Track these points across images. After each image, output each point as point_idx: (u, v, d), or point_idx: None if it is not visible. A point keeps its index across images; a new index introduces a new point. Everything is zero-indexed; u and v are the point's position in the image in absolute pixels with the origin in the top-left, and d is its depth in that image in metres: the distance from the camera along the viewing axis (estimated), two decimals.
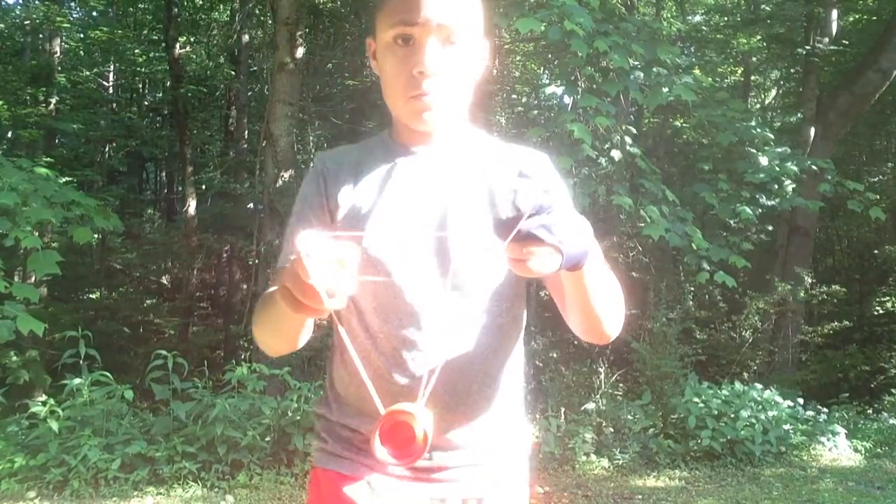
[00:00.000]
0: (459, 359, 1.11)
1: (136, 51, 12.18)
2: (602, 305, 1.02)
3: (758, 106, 13.52)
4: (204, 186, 11.71)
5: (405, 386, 1.10)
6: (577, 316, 1.06)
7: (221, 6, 12.51)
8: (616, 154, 5.72)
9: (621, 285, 1.09)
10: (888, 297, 11.25)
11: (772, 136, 6.42)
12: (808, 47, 9.10)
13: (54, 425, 4.23)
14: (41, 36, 10.90)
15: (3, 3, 11.28)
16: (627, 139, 5.84)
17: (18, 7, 11.01)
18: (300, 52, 6.84)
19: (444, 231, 1.11)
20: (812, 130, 8.74)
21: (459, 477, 1.12)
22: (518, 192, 0.80)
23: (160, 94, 14.02)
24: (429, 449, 1.07)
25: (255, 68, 11.67)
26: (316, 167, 1.21)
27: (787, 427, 5.60)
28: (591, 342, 1.13)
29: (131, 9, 12.41)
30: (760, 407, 5.63)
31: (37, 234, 4.40)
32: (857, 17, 10.60)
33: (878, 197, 8.47)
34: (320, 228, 1.07)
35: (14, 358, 5.65)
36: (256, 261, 7.24)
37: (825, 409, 6.27)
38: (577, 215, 0.88)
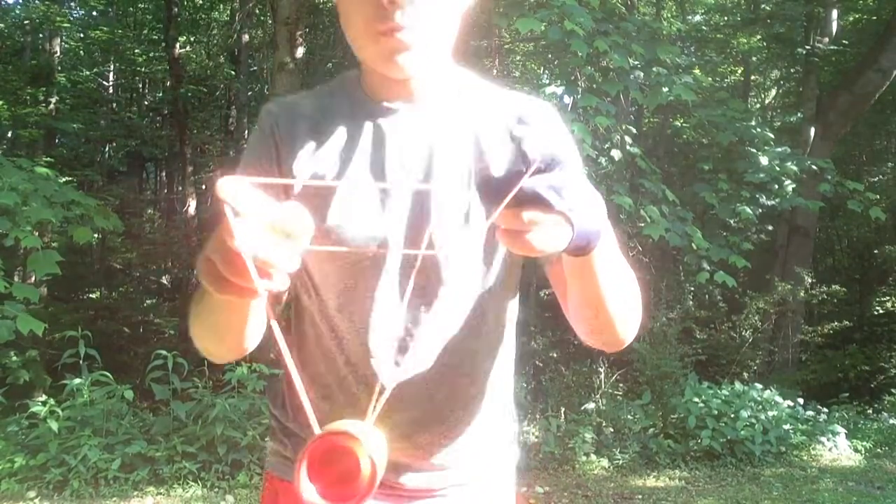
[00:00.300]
0: (439, 368, 0.93)
1: (136, 51, 12.18)
2: (615, 302, 0.83)
3: (758, 106, 13.51)
4: (204, 186, 11.71)
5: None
6: (583, 314, 0.86)
7: (221, 6, 12.51)
8: (616, 154, 5.72)
9: None
10: (888, 297, 11.26)
11: (772, 136, 6.42)
12: (808, 47, 9.10)
13: (54, 425, 4.23)
14: (41, 36, 10.90)
15: (3, 2, 11.27)
16: (627, 139, 5.84)
17: (18, 7, 11.00)
18: (300, 51, 6.84)
19: (427, 220, 0.90)
20: (812, 130, 8.73)
21: (441, 495, 0.99)
22: (521, 139, 0.62)
23: (160, 94, 14.01)
24: (407, 470, 0.95)
25: (255, 68, 11.68)
26: (264, 123, 0.96)
27: (787, 427, 5.60)
28: (598, 348, 0.93)
29: (131, 9, 12.40)
30: (760, 407, 5.63)
31: (37, 234, 4.40)
32: (857, 17, 10.59)
33: (878, 197, 8.47)
34: (270, 191, 0.87)
35: (14, 358, 5.65)
36: None
37: (825, 409, 6.27)
38: (589, 185, 0.69)
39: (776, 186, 6.35)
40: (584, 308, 0.85)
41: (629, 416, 5.45)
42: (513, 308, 1.02)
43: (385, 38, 0.84)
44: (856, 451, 5.72)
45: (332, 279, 0.93)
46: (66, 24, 10.49)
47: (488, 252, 0.94)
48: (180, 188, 11.82)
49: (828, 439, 5.70)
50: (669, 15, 11.89)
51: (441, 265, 0.92)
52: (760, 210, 6.63)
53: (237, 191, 0.52)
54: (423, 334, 0.92)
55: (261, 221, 0.53)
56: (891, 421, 6.51)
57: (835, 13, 9.43)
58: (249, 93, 11.33)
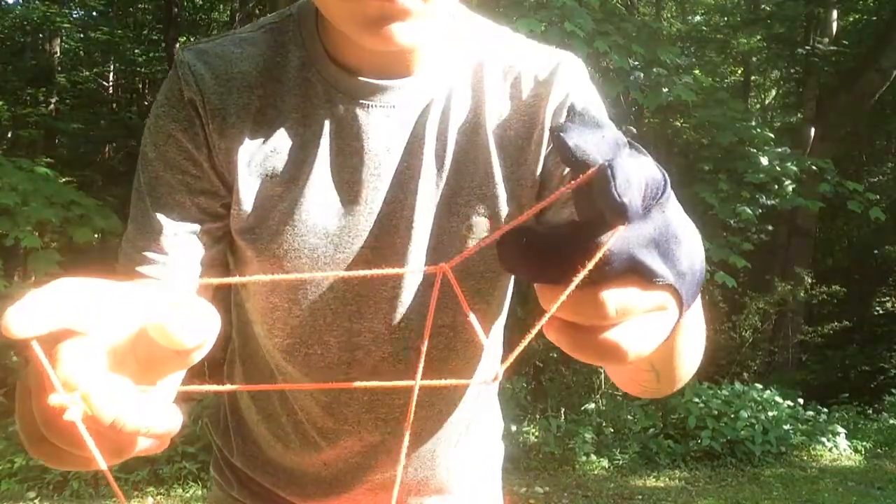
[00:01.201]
0: (420, 419, 0.81)
1: (136, 51, 12.18)
2: (686, 366, 0.56)
3: (758, 106, 13.51)
4: None
5: (336, 458, 0.80)
6: (640, 378, 0.59)
7: (221, 6, 12.52)
8: None
9: None
10: (888, 297, 11.25)
11: (772, 136, 6.42)
12: (808, 47, 9.10)
13: None
14: (41, 36, 10.90)
15: (3, 3, 11.27)
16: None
17: (18, 7, 11.00)
18: None
19: (400, 250, 0.71)
20: (812, 130, 8.73)
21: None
22: (581, 153, 0.34)
23: None
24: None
25: None
26: (182, 85, 0.67)
27: (787, 427, 5.60)
28: (642, 397, 0.74)
29: (131, 9, 12.41)
30: (760, 407, 5.63)
31: (37, 234, 4.40)
32: (857, 17, 10.59)
33: (878, 197, 8.46)
34: (197, 212, 0.66)
35: (14, 358, 5.64)
36: None
37: (825, 409, 6.27)
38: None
39: (776, 186, 6.35)
40: (642, 373, 0.57)
41: (629, 417, 5.45)
42: (499, 323, 0.85)
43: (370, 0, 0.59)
44: (856, 451, 5.72)
45: (280, 314, 0.74)
46: (66, 25, 10.49)
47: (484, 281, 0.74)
48: None
49: (828, 439, 5.70)
50: (669, 15, 11.90)
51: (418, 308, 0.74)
52: (760, 210, 6.62)
53: (51, 312, 0.30)
54: (397, 373, 0.75)
55: (118, 340, 0.32)
56: (891, 421, 6.51)
57: (835, 13, 9.44)
58: None
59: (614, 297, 0.35)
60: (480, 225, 0.70)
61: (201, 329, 0.30)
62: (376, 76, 0.68)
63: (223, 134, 0.66)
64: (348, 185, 0.68)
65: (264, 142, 0.67)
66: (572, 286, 0.33)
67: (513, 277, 0.78)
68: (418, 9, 0.59)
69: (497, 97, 0.71)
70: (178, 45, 10.11)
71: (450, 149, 0.70)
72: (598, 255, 0.33)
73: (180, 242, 0.66)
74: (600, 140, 0.34)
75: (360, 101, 0.68)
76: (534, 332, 0.34)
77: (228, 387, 0.38)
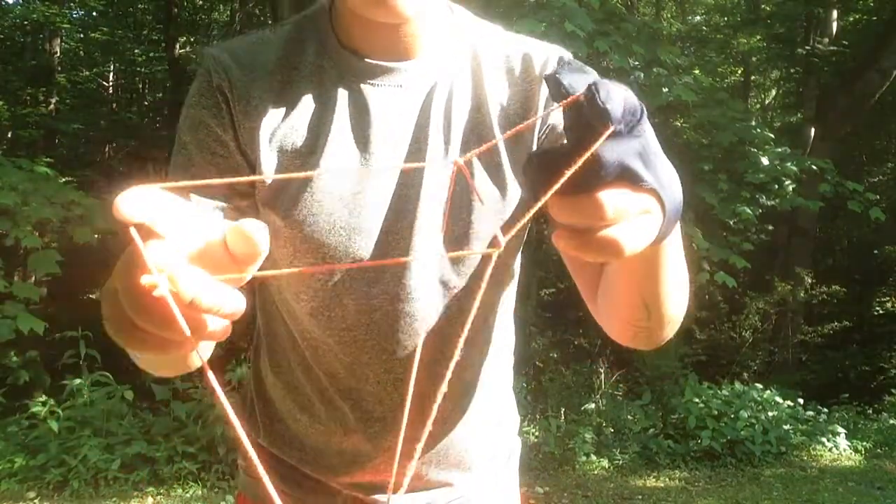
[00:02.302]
0: (435, 379, 0.82)
1: (136, 51, 12.18)
2: (674, 301, 0.66)
3: (758, 106, 13.51)
4: None
5: (357, 421, 0.83)
6: (630, 315, 0.68)
7: (221, 6, 12.51)
8: None
9: None
10: (888, 297, 11.25)
11: (772, 136, 6.42)
12: (808, 47, 9.11)
13: (54, 425, 4.23)
14: (41, 36, 10.90)
15: (3, 3, 11.27)
16: None
17: (18, 7, 11.00)
18: None
19: (414, 209, 0.77)
20: (812, 130, 8.74)
21: (448, 483, 0.92)
22: (567, 85, 0.43)
23: (160, 94, 14.01)
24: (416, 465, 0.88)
25: None
26: (210, 76, 0.77)
27: (787, 427, 5.60)
28: (631, 347, 0.77)
29: (131, 9, 12.41)
30: (760, 407, 5.63)
31: (37, 233, 4.41)
32: (857, 17, 10.59)
33: (878, 197, 8.46)
34: (224, 188, 0.74)
35: (14, 358, 5.64)
36: None
37: (825, 409, 6.27)
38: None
39: (776, 187, 6.36)
40: (634, 309, 0.67)
41: (629, 417, 5.45)
42: (510, 296, 0.90)
43: None
44: (856, 451, 5.72)
45: (304, 277, 0.79)
46: (66, 25, 10.49)
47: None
48: None
49: (828, 439, 5.70)
50: (669, 15, 11.90)
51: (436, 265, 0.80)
52: (760, 210, 6.63)
53: (148, 205, 0.35)
54: (412, 335, 0.80)
55: (190, 245, 0.37)
56: (891, 421, 6.51)
57: (835, 13, 9.44)
58: None
59: (611, 199, 0.44)
60: (490, 195, 0.78)
61: (266, 238, 0.37)
62: (383, 60, 0.77)
63: (247, 115, 0.75)
64: (361, 155, 0.76)
65: (283, 120, 0.76)
66: (568, 174, 0.41)
67: (519, 255, 0.88)
68: None
69: (496, 82, 0.79)
70: (178, 45, 10.12)
71: (455, 126, 0.77)
72: (588, 153, 0.42)
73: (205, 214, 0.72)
74: (587, 79, 0.43)
75: (370, 81, 0.77)
76: (537, 205, 0.42)
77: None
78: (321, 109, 0.76)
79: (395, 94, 0.77)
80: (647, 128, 0.45)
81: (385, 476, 0.86)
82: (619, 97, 0.42)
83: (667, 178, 0.47)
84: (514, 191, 0.79)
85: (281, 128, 0.76)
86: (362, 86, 0.77)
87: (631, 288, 0.66)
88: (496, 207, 0.78)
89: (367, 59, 0.77)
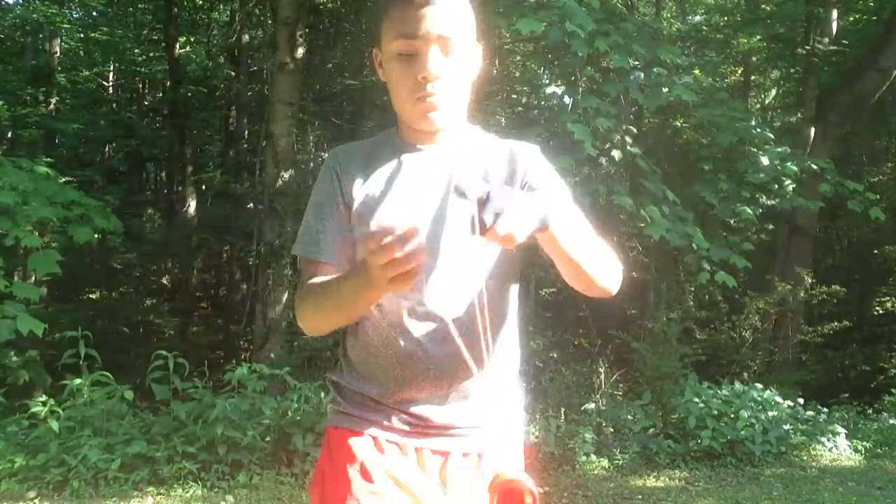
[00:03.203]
0: (463, 322, 1.21)
1: (136, 51, 12.19)
2: (589, 263, 1.19)
3: (758, 106, 13.52)
4: (204, 186, 11.71)
5: (410, 351, 1.24)
6: (568, 273, 1.21)
7: (221, 6, 12.52)
8: (616, 154, 5.72)
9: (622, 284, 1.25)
10: (888, 297, 11.24)
11: (772, 136, 6.42)
12: (808, 47, 9.10)
13: (54, 425, 4.23)
14: (41, 36, 10.90)
15: (3, 3, 11.27)
16: (628, 139, 5.84)
17: (18, 7, 11.00)
18: (300, 51, 6.84)
19: (441, 221, 1.26)
20: (812, 130, 8.73)
21: (461, 433, 1.25)
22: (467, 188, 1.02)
23: (160, 94, 14.02)
24: (435, 406, 1.28)
25: (255, 68, 11.67)
26: (329, 164, 1.34)
27: (787, 427, 5.60)
28: (594, 296, 1.27)
29: (131, 9, 12.41)
30: (760, 407, 5.63)
31: (37, 233, 4.41)
32: (857, 17, 10.59)
33: (878, 197, 8.47)
34: (336, 218, 1.31)
35: (14, 358, 5.64)
36: (257, 261, 7.24)
37: (825, 409, 6.26)
38: (555, 186, 1.25)
39: (776, 186, 6.35)
40: (569, 268, 1.20)
41: (629, 416, 5.45)
42: (514, 288, 1.33)
43: (420, 102, 1.22)
44: (856, 451, 5.72)
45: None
46: (66, 25, 10.49)
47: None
48: (180, 188, 11.81)
49: (828, 439, 5.70)
50: (669, 15, 11.90)
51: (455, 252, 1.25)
52: (760, 210, 6.64)
53: (384, 232, 0.98)
54: (452, 292, 1.24)
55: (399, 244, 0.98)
56: (891, 421, 6.51)
57: (835, 13, 9.43)
58: (249, 93, 11.32)
59: (500, 225, 1.00)
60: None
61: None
62: (423, 145, 1.32)
63: (349, 184, 1.30)
64: (414, 193, 1.28)
65: (366, 180, 1.30)
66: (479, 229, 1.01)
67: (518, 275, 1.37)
68: (443, 107, 1.24)
69: (490, 159, 1.31)
70: (178, 45, 10.10)
71: (463, 184, 1.17)
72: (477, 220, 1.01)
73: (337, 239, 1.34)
74: (505, 196, 1.02)
75: (415, 155, 1.31)
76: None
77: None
78: (391, 172, 1.29)
79: (432, 162, 1.30)
80: (501, 195, 1.01)
81: (431, 397, 1.25)
82: (475, 191, 1.02)
83: (516, 207, 1.01)
84: None
85: (364, 187, 1.29)
86: (413, 158, 1.30)
87: (557, 258, 1.18)
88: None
89: (416, 146, 1.31)
